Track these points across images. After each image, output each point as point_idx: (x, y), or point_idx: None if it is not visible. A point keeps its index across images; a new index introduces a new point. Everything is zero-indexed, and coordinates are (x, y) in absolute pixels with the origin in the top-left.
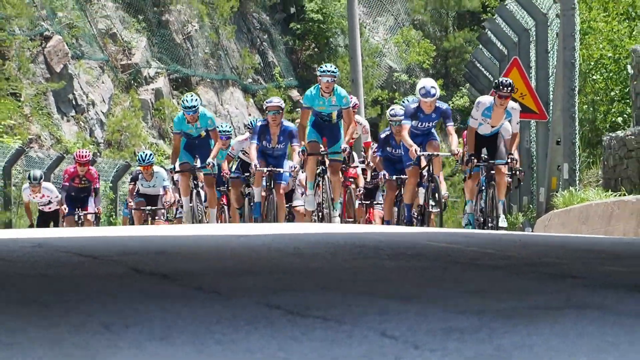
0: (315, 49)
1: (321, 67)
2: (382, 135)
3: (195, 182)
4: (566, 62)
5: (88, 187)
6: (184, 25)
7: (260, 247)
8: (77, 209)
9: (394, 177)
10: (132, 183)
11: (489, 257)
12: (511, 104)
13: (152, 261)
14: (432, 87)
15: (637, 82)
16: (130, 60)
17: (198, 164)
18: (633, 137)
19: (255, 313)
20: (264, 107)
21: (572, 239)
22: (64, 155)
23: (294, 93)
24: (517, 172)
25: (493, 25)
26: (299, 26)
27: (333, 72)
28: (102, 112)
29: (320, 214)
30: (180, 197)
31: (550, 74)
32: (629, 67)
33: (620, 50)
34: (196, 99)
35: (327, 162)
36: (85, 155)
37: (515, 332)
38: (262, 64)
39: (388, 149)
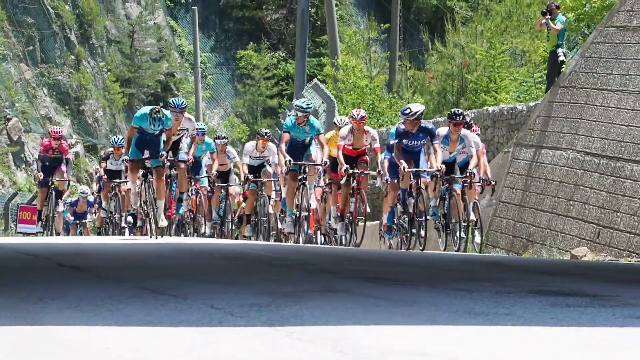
0: None
1: (297, 104)
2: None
3: (144, 171)
4: None
5: (59, 158)
6: (93, 113)
7: (139, 251)
8: (50, 176)
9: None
10: (105, 161)
11: (280, 260)
12: (464, 131)
13: (71, 259)
14: (416, 106)
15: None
16: (60, 133)
17: (147, 156)
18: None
19: (132, 292)
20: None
21: (330, 249)
22: (17, 192)
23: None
24: (490, 183)
25: (285, 116)
26: None
27: (305, 108)
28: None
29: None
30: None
31: None
32: None
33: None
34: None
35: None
36: (58, 131)
37: (292, 306)
38: None
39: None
